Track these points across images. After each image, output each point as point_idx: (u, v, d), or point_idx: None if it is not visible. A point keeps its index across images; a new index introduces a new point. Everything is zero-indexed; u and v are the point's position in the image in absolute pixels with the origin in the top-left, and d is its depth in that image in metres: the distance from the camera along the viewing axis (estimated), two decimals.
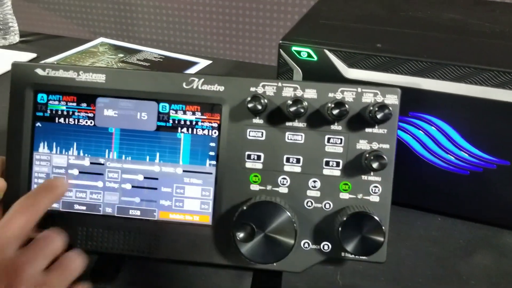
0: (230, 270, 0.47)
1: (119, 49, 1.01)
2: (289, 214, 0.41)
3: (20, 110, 0.46)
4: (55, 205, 0.47)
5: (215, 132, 0.45)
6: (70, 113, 0.46)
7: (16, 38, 1.04)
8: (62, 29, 1.40)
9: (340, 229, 0.41)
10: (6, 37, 1.02)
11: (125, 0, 1.28)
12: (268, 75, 0.86)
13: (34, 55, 0.95)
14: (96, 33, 1.35)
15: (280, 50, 0.52)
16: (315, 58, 0.50)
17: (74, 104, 0.46)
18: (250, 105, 0.42)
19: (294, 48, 0.51)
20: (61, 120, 0.46)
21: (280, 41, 0.51)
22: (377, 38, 0.53)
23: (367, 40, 0.52)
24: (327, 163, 0.43)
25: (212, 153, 0.45)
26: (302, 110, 0.41)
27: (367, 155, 0.41)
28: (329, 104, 0.41)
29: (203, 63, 0.95)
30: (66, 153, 0.46)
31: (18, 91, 0.46)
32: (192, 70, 0.92)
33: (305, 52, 0.50)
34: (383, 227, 0.40)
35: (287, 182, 0.44)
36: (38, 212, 0.40)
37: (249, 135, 0.44)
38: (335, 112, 0.41)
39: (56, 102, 0.46)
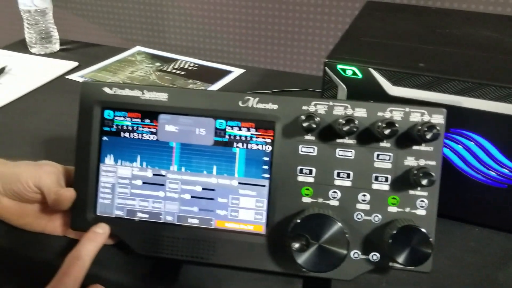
0: (280, 276, 0.50)
1: (155, 58, 1.04)
2: (342, 226, 0.44)
3: (88, 125, 0.50)
4: (120, 213, 0.50)
5: (268, 147, 0.48)
6: (135, 128, 0.50)
7: (57, 47, 1.08)
8: (96, 36, 1.44)
9: (390, 241, 0.44)
10: (47, 45, 1.06)
11: (157, 8, 1.32)
12: (301, 84, 0.89)
13: (76, 63, 1.00)
14: (128, 39, 1.40)
15: (326, 67, 0.55)
16: (360, 75, 0.53)
17: (139, 120, 0.50)
18: (305, 124, 0.45)
19: (339, 66, 0.54)
20: (126, 134, 0.50)
21: (326, 59, 0.54)
22: (419, 57, 0.55)
23: (410, 59, 0.54)
24: (376, 178, 0.46)
25: (265, 167, 0.48)
26: (354, 129, 0.44)
27: (415, 172, 0.44)
28: (380, 123, 0.44)
29: (236, 72, 0.98)
30: (131, 165, 0.50)
31: (87, 108, 0.50)
32: (227, 78, 0.95)
33: (350, 70, 0.53)
34: (431, 239, 0.43)
35: (337, 195, 0.47)
36: (86, 262, 0.45)
37: (301, 151, 0.47)
38: (387, 131, 0.43)
39: (122, 118, 0.50)
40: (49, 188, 0.50)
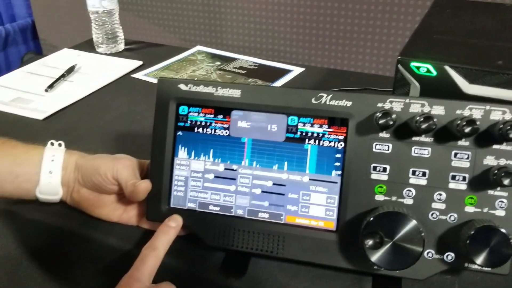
0: (349, 273, 0.50)
1: (215, 57, 1.06)
2: (418, 224, 0.43)
3: (164, 120, 0.52)
4: (192, 205, 0.52)
5: (341, 144, 0.48)
6: (208, 123, 0.51)
7: (122, 46, 1.12)
8: (156, 37, 1.49)
9: (468, 241, 0.42)
10: (113, 45, 1.10)
11: (216, 9, 1.34)
12: (362, 83, 0.88)
13: (140, 62, 1.03)
14: (187, 40, 1.43)
15: (398, 65, 0.54)
16: (434, 73, 0.52)
17: (212, 116, 0.51)
18: (381, 121, 0.44)
19: (413, 64, 0.53)
20: (200, 130, 0.51)
21: (399, 57, 0.54)
22: (496, 54, 0.54)
23: (487, 57, 0.53)
24: (453, 177, 0.45)
25: (337, 164, 0.48)
26: (433, 127, 0.43)
27: (496, 171, 0.43)
28: (459, 121, 0.43)
29: (296, 70, 0.99)
30: (203, 159, 0.51)
31: (163, 103, 0.52)
32: (286, 77, 0.96)
33: (424, 67, 0.52)
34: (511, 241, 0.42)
35: (412, 194, 0.46)
36: (160, 252, 0.47)
37: (375, 148, 0.47)
38: (467, 129, 0.42)
39: (196, 114, 0.52)
40: (126, 180, 0.52)
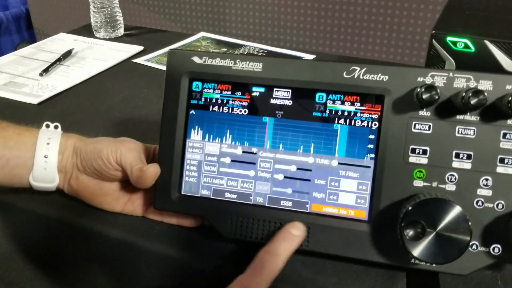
0: (380, 268, 0.45)
1: (221, 43, 1.01)
2: (464, 212, 0.39)
3: (175, 98, 0.47)
4: (206, 192, 0.47)
5: (375, 124, 0.43)
6: (224, 101, 0.46)
7: (121, 31, 1.07)
8: (156, 25, 1.43)
9: None
10: (112, 30, 1.05)
11: None
12: None
13: (141, 48, 0.98)
14: (189, 28, 1.38)
15: (433, 40, 0.49)
16: (473, 49, 0.47)
17: (229, 92, 0.46)
18: (425, 96, 0.40)
19: (449, 39, 0.48)
20: (215, 108, 0.46)
21: (433, 31, 0.49)
22: None
23: None
24: (501, 160, 0.41)
25: (371, 146, 0.43)
26: (484, 102, 0.38)
27: None
28: (510, 97, 0.39)
29: (306, 58, 0.94)
30: (219, 141, 0.46)
31: (174, 79, 0.47)
32: None
33: (461, 42, 0.48)
34: None
35: (455, 179, 0.41)
36: (282, 260, 0.41)
37: (414, 128, 0.42)
38: None
39: (211, 90, 0.46)
40: (132, 165, 0.47)
